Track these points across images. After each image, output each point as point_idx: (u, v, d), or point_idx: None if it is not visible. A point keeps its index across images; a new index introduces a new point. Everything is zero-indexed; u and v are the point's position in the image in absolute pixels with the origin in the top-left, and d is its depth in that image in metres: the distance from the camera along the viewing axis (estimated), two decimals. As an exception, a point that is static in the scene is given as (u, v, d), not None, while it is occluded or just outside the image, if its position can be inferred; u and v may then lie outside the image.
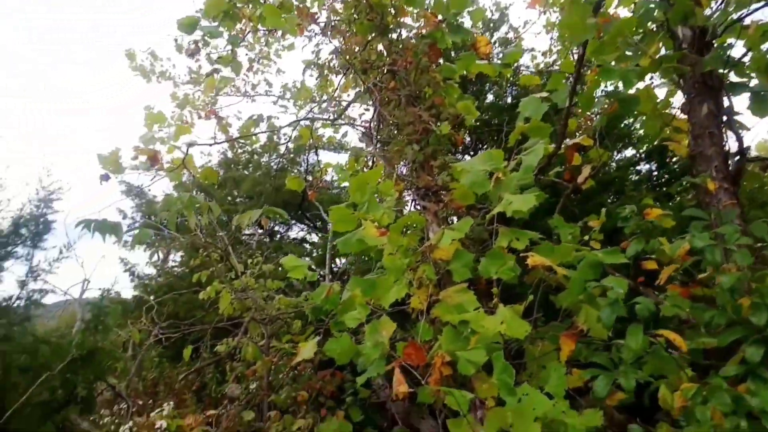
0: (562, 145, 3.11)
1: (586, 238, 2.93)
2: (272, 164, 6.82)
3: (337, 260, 6.40)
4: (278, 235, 7.44)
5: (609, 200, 5.79)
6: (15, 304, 2.90)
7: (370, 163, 3.90)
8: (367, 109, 5.56)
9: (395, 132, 3.45)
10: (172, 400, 2.95)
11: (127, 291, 6.07)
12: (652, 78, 3.89)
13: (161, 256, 5.12)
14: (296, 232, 7.83)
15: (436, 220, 3.02)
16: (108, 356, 2.77)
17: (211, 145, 4.95)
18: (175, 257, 5.72)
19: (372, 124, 3.94)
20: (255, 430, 2.89)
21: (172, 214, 3.61)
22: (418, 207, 3.26)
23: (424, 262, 2.75)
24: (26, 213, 3.00)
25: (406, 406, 4.09)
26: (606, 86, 3.44)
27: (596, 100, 3.30)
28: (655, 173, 6.51)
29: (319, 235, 7.75)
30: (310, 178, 6.74)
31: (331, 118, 5.16)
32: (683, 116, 3.30)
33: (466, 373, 2.12)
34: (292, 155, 7.03)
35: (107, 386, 3.07)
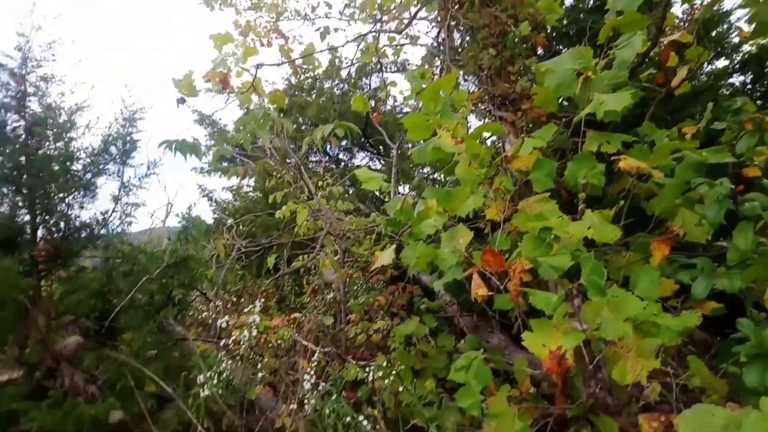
0: (658, 43, 2.81)
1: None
2: (335, 90, 6.76)
3: (401, 189, 6.38)
4: (342, 163, 7.52)
5: (700, 114, 5.26)
6: (111, 217, 3.13)
7: (439, 75, 3.72)
8: (434, 26, 5.27)
9: (468, 39, 3.24)
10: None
11: (207, 216, 6.47)
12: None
13: (239, 177, 5.31)
14: (360, 159, 7.87)
15: (513, 131, 2.88)
16: (198, 264, 2.97)
17: (278, 65, 4.90)
18: (249, 182, 5.95)
19: (441, 34, 3.72)
20: (335, 332, 3.05)
21: (247, 133, 3.69)
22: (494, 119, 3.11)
23: (501, 174, 2.67)
24: (114, 132, 3.16)
25: (474, 320, 4.17)
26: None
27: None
28: (750, 87, 5.82)
29: (383, 162, 7.74)
30: (373, 103, 6.64)
31: (398, 29, 4.94)
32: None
33: (548, 279, 2.08)
34: (354, 79, 6.90)
35: (199, 292, 3.35)
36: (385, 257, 2.57)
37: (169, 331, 3.31)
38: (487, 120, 3.10)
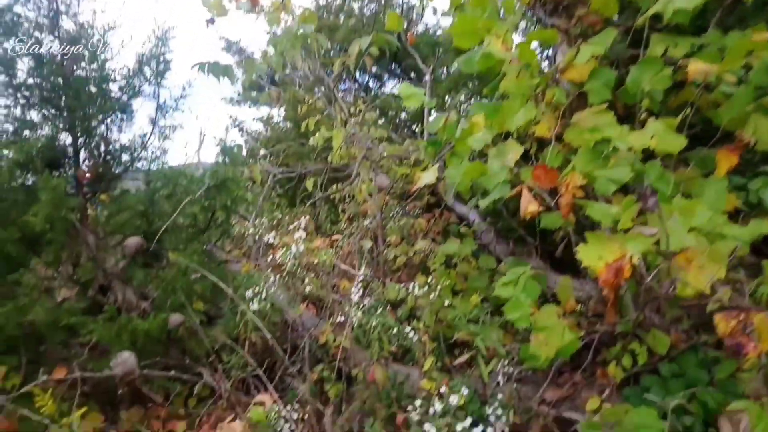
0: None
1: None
2: (365, 11, 6.43)
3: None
4: (371, 91, 7.30)
5: None
6: (150, 140, 3.12)
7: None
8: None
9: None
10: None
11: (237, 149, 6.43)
12: None
13: (272, 101, 5.22)
14: (390, 87, 7.60)
15: (566, 40, 2.67)
16: (237, 186, 2.97)
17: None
18: (280, 112, 5.86)
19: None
20: (374, 255, 3.07)
21: (279, 53, 3.56)
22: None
23: (553, 87, 2.51)
24: (146, 51, 3.08)
25: (510, 247, 4.13)
26: None
27: None
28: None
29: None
30: (407, 23, 6.31)
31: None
32: None
33: (605, 194, 1.99)
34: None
35: (240, 216, 3.40)
36: (427, 176, 2.50)
37: (213, 253, 3.40)
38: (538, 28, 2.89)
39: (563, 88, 2.48)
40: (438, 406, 2.12)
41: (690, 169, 2.33)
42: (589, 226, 2.21)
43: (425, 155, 2.90)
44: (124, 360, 2.38)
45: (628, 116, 2.51)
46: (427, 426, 2.02)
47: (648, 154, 2.01)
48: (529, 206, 2.09)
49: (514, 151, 2.25)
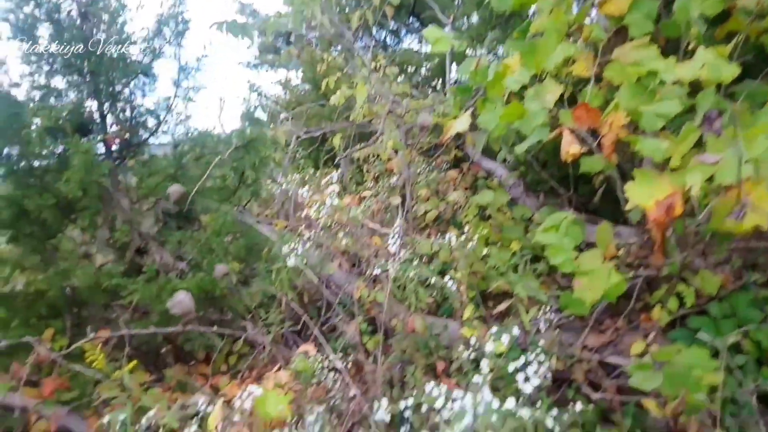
0: None
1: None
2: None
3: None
4: (389, 48, 7.12)
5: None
6: (174, 102, 3.09)
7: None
8: None
9: None
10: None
11: (258, 111, 6.40)
12: None
13: (292, 58, 5.12)
14: (408, 42, 7.40)
15: (603, -28, 2.51)
16: (264, 146, 2.94)
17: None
18: (298, 74, 5.77)
19: None
20: (404, 212, 3.04)
21: (298, 9, 3.46)
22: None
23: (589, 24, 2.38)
24: (164, 12, 3.02)
25: (541, 200, 4.05)
26: None
27: None
28: None
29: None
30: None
31: None
32: None
33: (652, 130, 1.90)
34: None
35: (268, 177, 3.39)
36: (460, 123, 2.42)
37: (245, 215, 3.41)
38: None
39: (600, 24, 2.36)
40: (479, 353, 2.11)
41: (738, 103, 2.21)
42: (629, 170, 2.13)
43: (454, 103, 2.81)
44: (181, 300, 2.41)
45: (670, 51, 2.37)
46: (469, 374, 2.01)
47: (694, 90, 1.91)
48: (570, 148, 2.01)
49: (552, 91, 2.15)
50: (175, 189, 2.75)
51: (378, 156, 4.11)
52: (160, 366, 3.02)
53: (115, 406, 1.96)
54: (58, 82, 3.01)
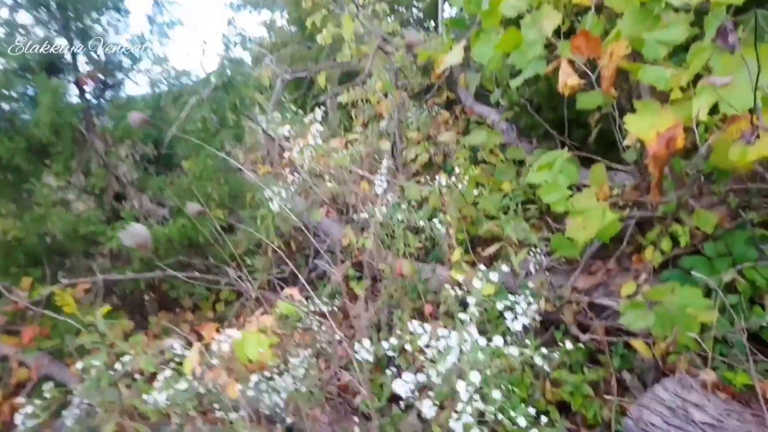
0: None
1: None
2: None
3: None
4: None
5: None
6: (149, 39, 2.90)
7: None
8: None
9: None
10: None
11: (241, 53, 6.10)
12: None
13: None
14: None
15: None
16: (245, 86, 2.78)
17: None
18: (283, 14, 5.46)
19: None
20: (393, 156, 2.92)
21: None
22: None
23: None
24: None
25: (534, 145, 3.94)
26: None
27: None
28: None
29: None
30: None
31: None
32: None
33: (655, 58, 1.77)
34: None
35: (250, 120, 3.23)
36: (452, 56, 2.28)
37: (227, 160, 3.27)
38: None
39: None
40: (467, 295, 2.07)
41: (744, 32, 2.08)
42: (627, 110, 2.02)
43: (447, 37, 2.64)
44: (136, 231, 2.29)
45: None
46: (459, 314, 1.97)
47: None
48: (568, 80, 1.89)
49: (550, 17, 2.00)
50: (136, 116, 2.58)
51: (367, 100, 3.94)
52: (146, 315, 2.98)
53: (93, 351, 1.91)
54: (24, 17, 2.80)
